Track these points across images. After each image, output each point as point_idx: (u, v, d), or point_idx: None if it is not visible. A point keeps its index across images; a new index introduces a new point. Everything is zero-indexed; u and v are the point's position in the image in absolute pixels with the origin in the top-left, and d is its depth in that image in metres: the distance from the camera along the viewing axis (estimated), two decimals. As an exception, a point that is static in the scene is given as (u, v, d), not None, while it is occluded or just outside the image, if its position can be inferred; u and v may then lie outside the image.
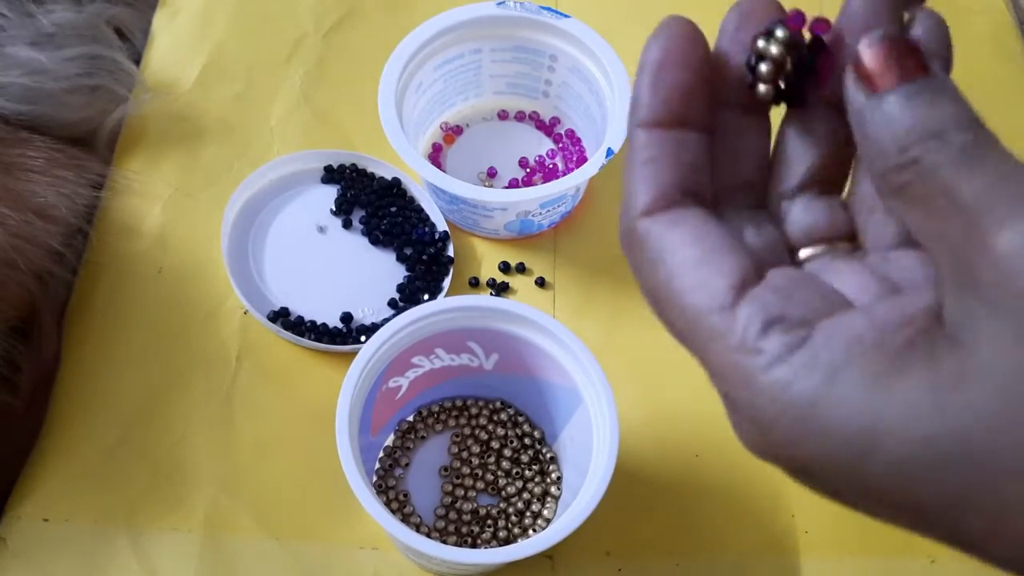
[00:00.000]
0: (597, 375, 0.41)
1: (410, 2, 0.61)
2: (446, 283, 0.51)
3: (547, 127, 0.57)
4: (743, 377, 0.20)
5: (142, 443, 0.46)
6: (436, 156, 0.56)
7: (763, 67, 0.23)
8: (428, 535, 0.44)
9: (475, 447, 0.47)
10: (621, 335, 0.51)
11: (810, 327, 0.20)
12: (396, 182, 0.53)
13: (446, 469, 0.47)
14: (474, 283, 0.52)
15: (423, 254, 0.51)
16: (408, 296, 0.50)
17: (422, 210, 0.53)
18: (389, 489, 0.46)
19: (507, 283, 0.52)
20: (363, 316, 0.50)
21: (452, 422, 0.48)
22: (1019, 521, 0.18)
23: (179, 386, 0.48)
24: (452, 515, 0.45)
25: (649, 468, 0.47)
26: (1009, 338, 0.18)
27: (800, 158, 0.24)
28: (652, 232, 0.22)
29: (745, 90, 0.23)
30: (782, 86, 0.23)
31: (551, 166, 0.56)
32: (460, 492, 0.46)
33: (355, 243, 0.53)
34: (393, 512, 0.45)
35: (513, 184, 0.55)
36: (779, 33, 0.22)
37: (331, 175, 0.54)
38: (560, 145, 0.56)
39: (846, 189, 0.25)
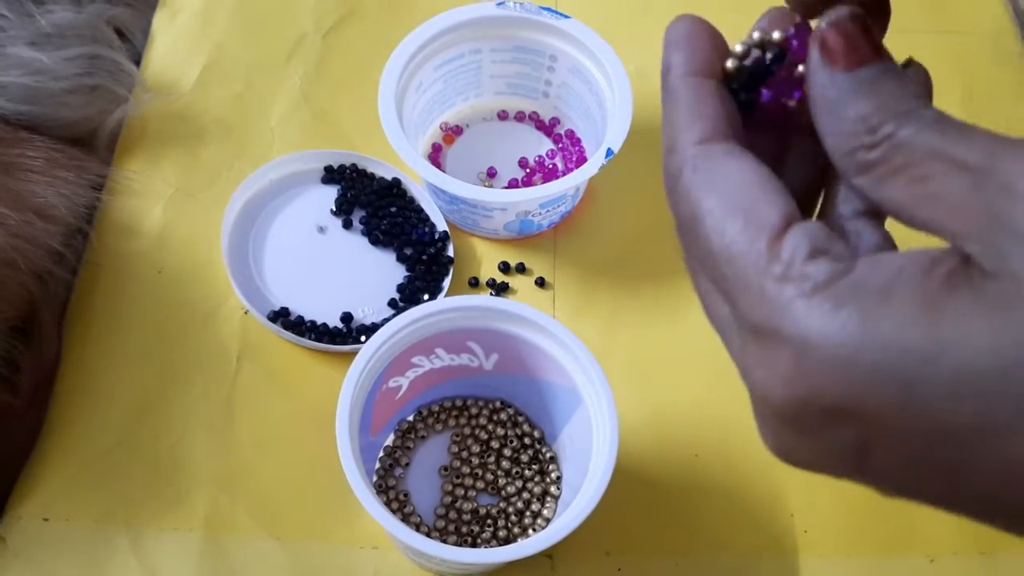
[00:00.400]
0: (597, 375, 0.41)
1: (410, 2, 0.61)
2: (446, 283, 0.51)
3: (547, 127, 0.57)
4: (784, 305, 0.20)
5: (142, 443, 0.46)
6: (436, 156, 0.56)
7: (728, 64, 0.25)
8: (428, 535, 0.44)
9: (475, 447, 0.47)
10: (621, 335, 0.51)
11: (854, 260, 0.20)
12: (396, 182, 0.53)
13: (446, 469, 0.47)
14: (474, 283, 0.52)
15: (423, 254, 0.51)
16: (408, 296, 0.51)
17: (422, 210, 0.53)
18: (389, 489, 0.46)
19: (507, 283, 0.52)
20: (363, 316, 0.50)
21: (452, 422, 0.48)
22: None
23: (179, 386, 0.48)
24: (452, 515, 0.45)
25: (649, 468, 0.47)
26: None
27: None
28: (708, 158, 0.23)
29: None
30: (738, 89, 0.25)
31: (551, 166, 0.56)
32: (460, 492, 0.46)
33: (355, 243, 0.53)
34: (393, 512, 0.45)
35: (513, 184, 0.55)
36: (738, 48, 0.25)
37: (331, 175, 0.54)
38: (560, 145, 0.56)
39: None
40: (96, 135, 0.53)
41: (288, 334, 0.48)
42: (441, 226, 0.52)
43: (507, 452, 0.46)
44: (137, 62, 0.57)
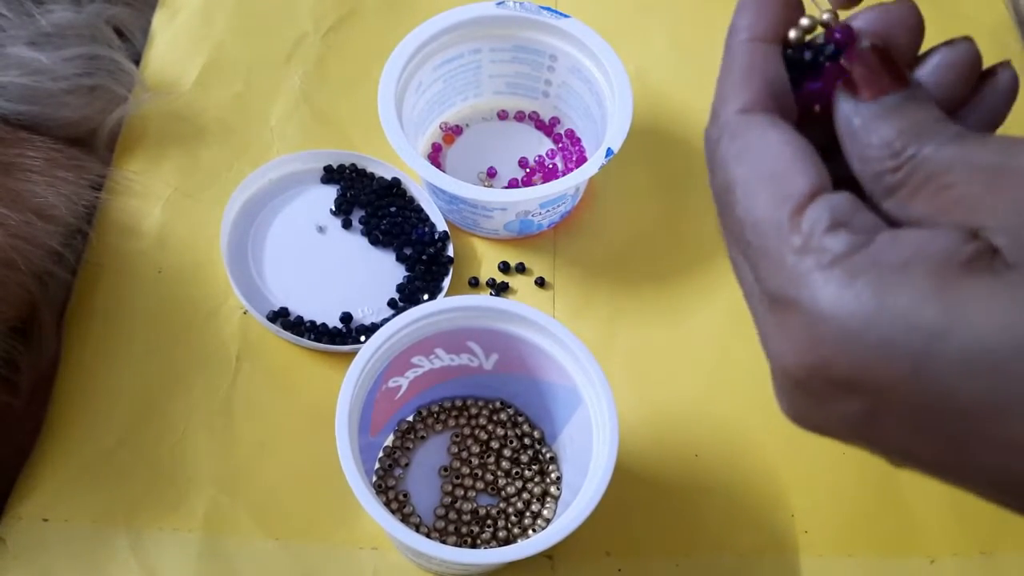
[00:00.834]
0: (597, 375, 0.41)
1: (410, 2, 0.61)
2: (446, 283, 0.51)
3: (547, 127, 0.57)
4: (799, 275, 0.21)
5: (142, 443, 0.46)
6: (436, 156, 0.56)
7: (792, 34, 0.25)
8: (428, 535, 0.44)
9: (475, 447, 0.47)
10: (621, 335, 0.51)
11: (873, 234, 0.21)
12: (396, 182, 0.53)
13: (446, 469, 0.47)
14: (474, 283, 0.52)
15: (423, 254, 0.51)
16: (408, 296, 0.50)
17: (422, 210, 0.53)
18: (389, 489, 0.46)
19: (507, 283, 0.52)
20: (363, 316, 0.50)
21: (452, 422, 0.48)
22: None
23: (179, 386, 0.48)
24: (452, 515, 0.45)
25: (649, 468, 0.47)
26: None
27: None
28: (746, 127, 0.23)
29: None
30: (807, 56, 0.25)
31: (551, 166, 0.56)
32: (460, 492, 0.46)
33: (355, 243, 0.53)
34: (393, 512, 0.45)
35: (513, 184, 0.55)
36: (804, 22, 0.25)
37: (331, 175, 0.54)
38: (560, 145, 0.56)
39: None
40: (96, 135, 0.53)
41: (287, 334, 0.48)
42: (441, 226, 0.52)
43: (507, 452, 0.46)
44: (137, 62, 0.57)
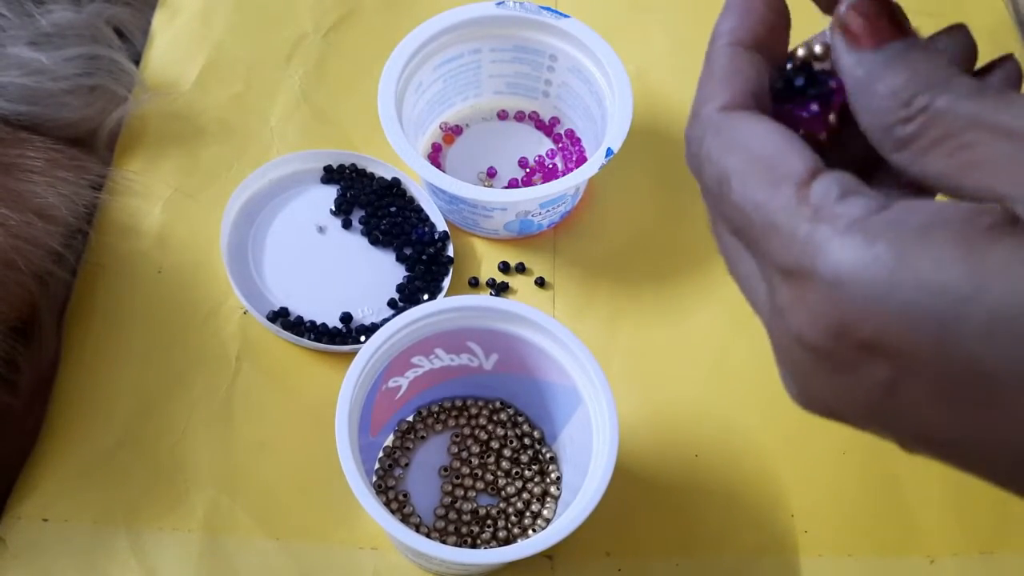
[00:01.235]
0: (597, 375, 0.41)
1: (410, 2, 0.61)
2: (446, 283, 0.51)
3: (547, 127, 0.57)
4: (817, 244, 0.20)
5: (142, 443, 0.46)
6: (436, 156, 0.56)
7: (800, 51, 0.25)
8: (428, 535, 0.44)
9: (475, 447, 0.47)
10: (621, 335, 0.51)
11: (888, 201, 0.20)
12: (396, 182, 0.53)
13: (446, 469, 0.47)
14: (474, 283, 0.52)
15: (423, 254, 0.51)
16: (408, 296, 0.50)
17: (422, 210, 0.53)
18: (389, 489, 0.46)
19: (507, 283, 0.52)
20: (363, 316, 0.50)
21: (452, 422, 0.48)
22: None
23: (179, 386, 0.48)
24: (452, 515, 0.45)
25: (649, 468, 0.47)
26: None
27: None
28: (730, 121, 0.23)
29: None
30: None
31: (551, 166, 0.56)
32: (460, 492, 0.46)
33: (355, 243, 0.53)
34: (393, 512, 0.45)
35: (513, 184, 0.55)
36: (800, 52, 0.26)
37: (331, 175, 0.54)
38: (560, 145, 0.56)
39: None
40: (96, 135, 0.53)
41: (287, 334, 0.48)
42: (441, 226, 0.52)
43: (507, 452, 0.46)
44: (137, 62, 0.57)
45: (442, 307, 0.42)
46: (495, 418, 0.47)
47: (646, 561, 0.45)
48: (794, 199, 0.21)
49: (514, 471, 0.46)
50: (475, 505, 0.45)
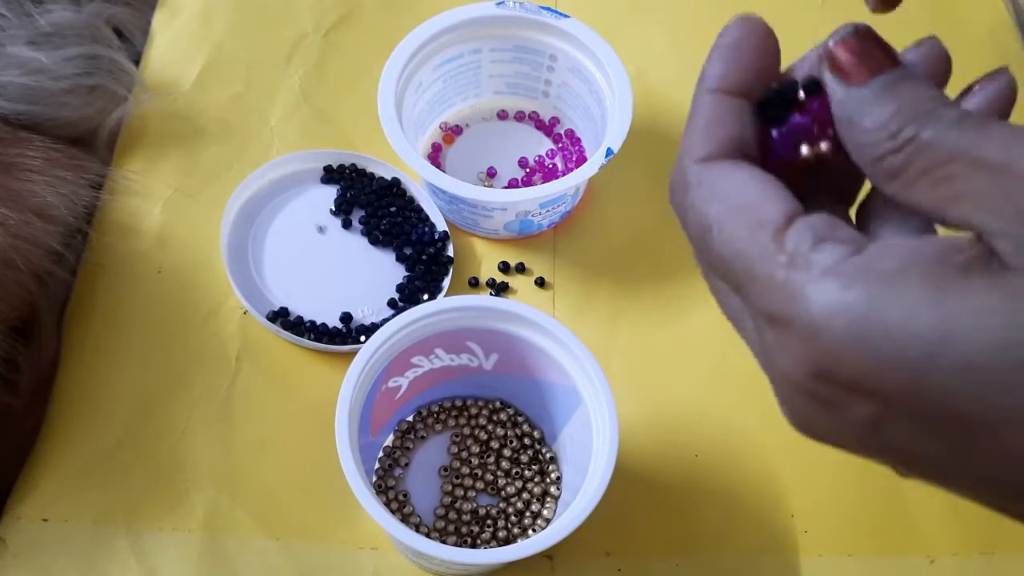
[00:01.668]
0: (597, 375, 0.41)
1: (410, 2, 0.61)
2: (446, 283, 0.51)
3: (547, 127, 0.57)
4: (793, 291, 0.21)
5: (142, 443, 0.46)
6: (436, 156, 0.56)
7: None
8: (428, 535, 0.44)
9: (475, 447, 0.47)
10: (621, 335, 0.51)
11: (862, 244, 0.21)
12: (396, 182, 0.53)
13: (446, 469, 0.47)
14: (474, 283, 0.52)
15: (423, 254, 0.51)
16: (408, 296, 0.50)
17: (422, 210, 0.53)
18: (389, 489, 0.46)
19: (507, 283, 0.52)
20: (363, 316, 0.50)
21: (452, 422, 0.48)
22: None
23: (179, 386, 0.48)
24: (452, 515, 0.45)
25: (649, 468, 0.47)
26: None
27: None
28: (710, 173, 0.24)
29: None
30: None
31: (551, 166, 0.56)
32: (460, 492, 0.46)
33: (355, 243, 0.53)
34: (393, 512, 0.45)
35: (513, 184, 0.55)
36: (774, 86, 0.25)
37: (331, 175, 0.54)
38: (560, 145, 0.56)
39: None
40: (95, 135, 0.53)
41: (287, 334, 0.48)
42: (441, 226, 0.52)
43: (507, 452, 0.46)
44: (136, 62, 0.57)
45: (442, 307, 0.42)
46: (495, 418, 0.47)
47: (646, 561, 0.45)
48: (771, 247, 0.22)
49: (514, 471, 0.46)
50: (475, 505, 0.45)
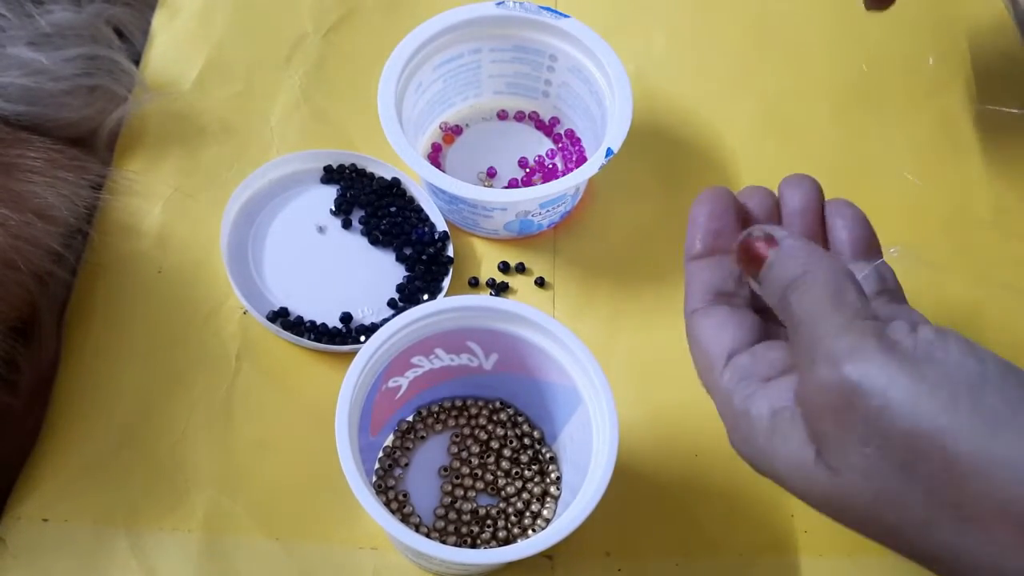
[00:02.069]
0: (597, 375, 0.41)
1: (410, 2, 0.61)
2: (446, 283, 0.51)
3: (547, 127, 0.57)
4: (730, 410, 0.31)
5: (142, 443, 0.46)
6: (436, 156, 0.56)
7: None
8: (428, 535, 0.44)
9: (475, 447, 0.47)
10: (621, 335, 0.51)
11: (766, 379, 0.31)
12: (396, 182, 0.53)
13: (446, 469, 0.47)
14: (474, 283, 0.52)
15: (423, 254, 0.51)
16: (408, 296, 0.50)
17: (422, 210, 0.53)
18: (389, 489, 0.46)
19: (507, 283, 0.52)
20: (363, 316, 0.50)
21: (452, 422, 0.48)
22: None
23: (179, 386, 0.48)
24: (452, 515, 0.45)
25: (649, 468, 0.47)
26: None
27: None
28: (691, 325, 0.34)
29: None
30: None
31: (551, 166, 0.56)
32: (460, 492, 0.46)
33: (354, 243, 0.53)
34: (393, 512, 0.45)
35: (513, 184, 0.55)
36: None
37: (331, 175, 0.54)
38: (560, 145, 0.56)
39: None
40: (96, 135, 0.53)
41: (287, 334, 0.48)
42: (441, 226, 0.52)
43: (507, 452, 0.46)
44: (136, 62, 0.57)
45: (442, 307, 0.42)
46: (495, 418, 0.47)
47: (646, 561, 0.45)
48: (719, 379, 0.32)
49: (514, 471, 0.46)
50: (475, 505, 0.45)
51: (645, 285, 0.52)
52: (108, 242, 0.51)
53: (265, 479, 0.46)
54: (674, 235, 0.54)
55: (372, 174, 0.54)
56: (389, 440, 0.47)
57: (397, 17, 0.60)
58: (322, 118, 0.57)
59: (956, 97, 0.59)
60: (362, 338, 0.49)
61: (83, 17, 0.54)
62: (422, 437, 0.47)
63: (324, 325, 0.49)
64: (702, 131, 0.57)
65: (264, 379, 0.48)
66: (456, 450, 0.47)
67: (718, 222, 0.34)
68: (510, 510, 0.45)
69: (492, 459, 0.46)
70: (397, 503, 0.45)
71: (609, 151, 0.48)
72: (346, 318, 0.50)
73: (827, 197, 0.36)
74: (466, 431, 0.47)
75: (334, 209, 0.53)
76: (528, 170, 0.55)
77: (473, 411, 0.48)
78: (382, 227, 0.52)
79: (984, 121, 0.58)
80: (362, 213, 0.53)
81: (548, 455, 0.47)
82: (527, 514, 0.45)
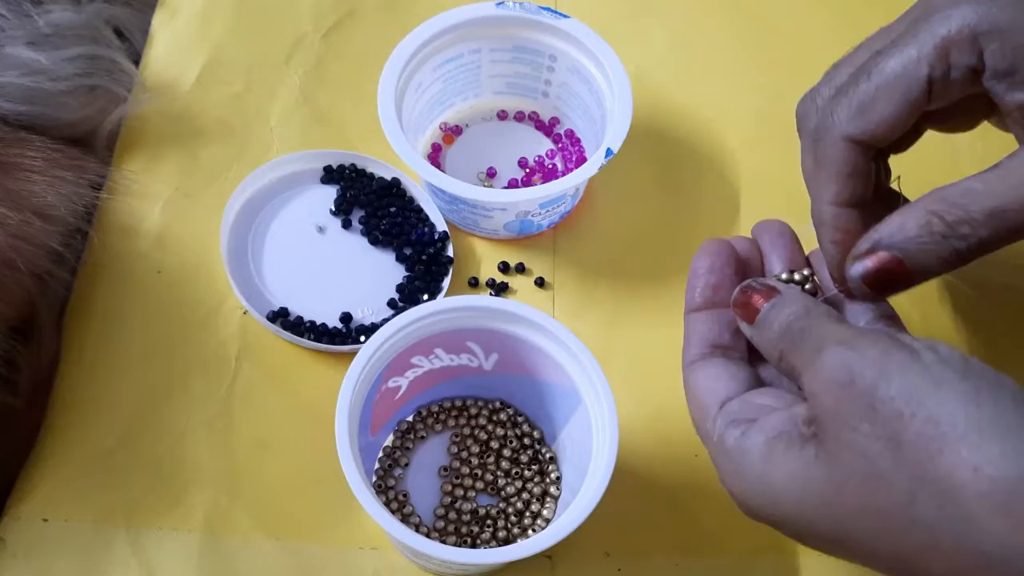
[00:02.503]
0: (597, 375, 0.41)
1: (410, 2, 0.61)
2: (445, 283, 0.51)
3: (547, 127, 0.57)
4: (722, 450, 0.33)
5: (142, 443, 0.46)
6: (435, 156, 0.56)
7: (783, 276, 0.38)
8: (428, 535, 0.44)
9: (474, 447, 0.47)
10: (621, 335, 0.51)
11: (752, 423, 0.32)
12: (395, 182, 0.53)
13: (446, 469, 0.47)
14: (474, 283, 0.52)
15: (422, 254, 0.51)
16: (407, 296, 0.50)
17: (421, 210, 0.53)
18: (389, 489, 0.46)
19: (507, 283, 0.52)
20: (363, 316, 0.50)
21: (452, 422, 0.48)
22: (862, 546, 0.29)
23: (179, 386, 0.48)
24: (452, 515, 0.45)
25: (649, 468, 0.47)
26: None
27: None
28: (688, 375, 0.36)
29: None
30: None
31: (550, 166, 0.56)
32: (460, 492, 0.46)
33: (354, 243, 0.53)
34: (393, 512, 0.45)
35: (512, 184, 0.55)
36: (784, 276, 0.37)
37: (331, 175, 0.54)
38: (559, 145, 0.56)
39: None
40: (95, 135, 0.53)
41: (287, 334, 0.48)
42: (441, 226, 0.52)
43: (507, 452, 0.46)
44: (136, 62, 0.57)
45: (442, 307, 0.42)
46: (495, 418, 0.47)
47: (646, 561, 0.45)
48: (711, 427, 0.34)
49: (514, 471, 0.46)
50: (475, 505, 0.45)
51: (645, 285, 0.52)
52: (108, 242, 0.51)
53: (265, 479, 0.46)
54: (674, 235, 0.54)
55: (372, 174, 0.54)
56: (389, 440, 0.47)
57: (397, 17, 0.60)
58: (322, 118, 0.57)
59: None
60: (362, 338, 0.49)
61: (83, 17, 0.54)
62: (422, 437, 0.47)
63: (324, 325, 0.49)
64: (702, 131, 0.57)
65: (264, 379, 0.48)
66: (456, 450, 0.47)
67: (717, 275, 0.36)
68: (510, 510, 0.45)
69: (492, 459, 0.47)
70: (397, 503, 0.45)
71: (609, 151, 0.48)
72: (346, 318, 0.50)
73: None
74: (466, 431, 0.47)
75: (334, 209, 0.53)
76: (528, 170, 0.55)
77: (473, 411, 0.48)
78: (382, 227, 0.52)
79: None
80: (362, 213, 0.53)
81: (548, 455, 0.47)
82: (527, 514, 0.45)
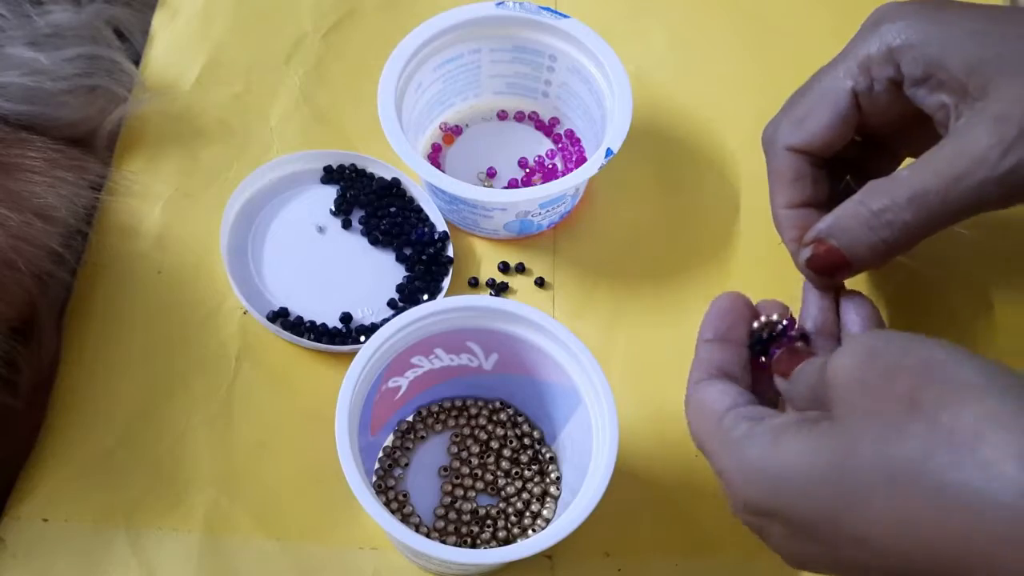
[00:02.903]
0: (597, 375, 0.41)
1: (410, 2, 0.61)
2: (445, 283, 0.51)
3: (546, 127, 0.57)
4: (720, 456, 0.33)
5: (142, 443, 0.46)
6: (435, 156, 0.56)
7: (754, 325, 0.39)
8: (428, 535, 0.44)
9: (474, 447, 0.47)
10: (621, 335, 0.51)
11: (761, 420, 0.33)
12: (395, 182, 0.53)
13: (446, 469, 0.47)
14: (474, 283, 0.52)
15: (422, 254, 0.51)
16: (407, 296, 0.50)
17: (421, 210, 0.53)
18: (389, 489, 0.46)
19: (507, 283, 0.52)
20: (362, 316, 0.50)
21: (452, 422, 0.48)
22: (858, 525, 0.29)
23: (179, 386, 0.48)
24: (452, 515, 0.45)
25: (649, 468, 0.47)
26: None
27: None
28: (695, 390, 0.36)
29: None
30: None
31: (550, 166, 0.56)
32: (460, 492, 0.46)
33: (354, 243, 0.53)
34: (393, 512, 0.45)
35: (512, 184, 0.55)
36: (757, 324, 0.39)
37: (330, 175, 0.54)
38: (559, 145, 0.56)
39: None
40: (95, 135, 0.53)
41: (287, 334, 0.48)
42: (441, 226, 0.52)
43: (507, 452, 0.46)
44: (136, 62, 0.57)
45: (442, 307, 0.42)
46: (495, 418, 0.47)
47: (646, 561, 0.45)
48: (716, 428, 0.34)
49: (514, 471, 0.46)
50: (475, 505, 0.45)
51: (645, 285, 0.52)
52: (108, 242, 0.51)
53: (265, 479, 0.46)
54: (674, 235, 0.54)
55: (372, 174, 0.54)
56: (389, 440, 0.47)
57: (397, 17, 0.60)
58: (322, 118, 0.57)
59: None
60: (362, 338, 0.49)
61: (83, 17, 0.54)
62: (422, 437, 0.47)
63: (324, 325, 0.49)
64: (702, 131, 0.57)
65: (264, 379, 0.48)
66: (456, 450, 0.47)
67: (738, 319, 0.38)
68: (510, 510, 0.45)
69: (492, 459, 0.47)
70: (397, 503, 0.45)
71: (609, 151, 0.48)
72: (346, 318, 0.50)
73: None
74: (466, 431, 0.47)
75: (334, 209, 0.53)
76: (528, 170, 0.55)
77: (473, 411, 0.48)
78: (382, 227, 0.52)
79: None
80: (362, 213, 0.53)
81: (548, 455, 0.47)
82: (527, 514, 0.45)
